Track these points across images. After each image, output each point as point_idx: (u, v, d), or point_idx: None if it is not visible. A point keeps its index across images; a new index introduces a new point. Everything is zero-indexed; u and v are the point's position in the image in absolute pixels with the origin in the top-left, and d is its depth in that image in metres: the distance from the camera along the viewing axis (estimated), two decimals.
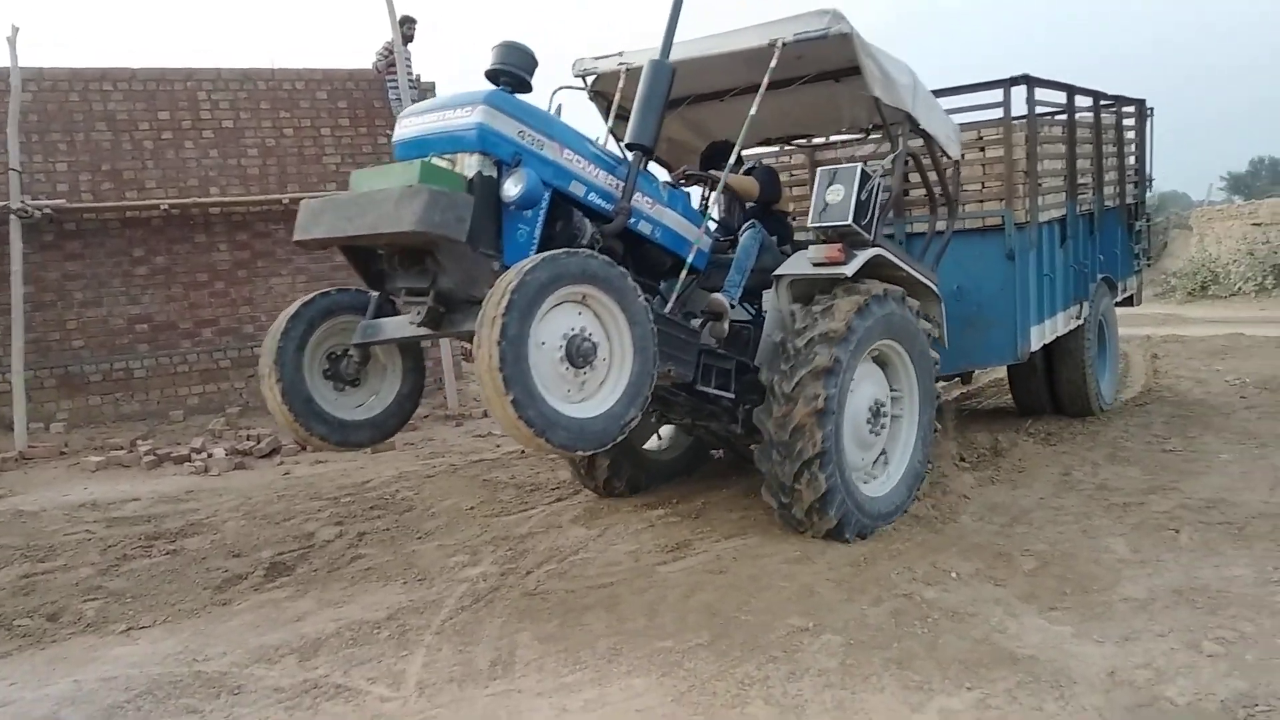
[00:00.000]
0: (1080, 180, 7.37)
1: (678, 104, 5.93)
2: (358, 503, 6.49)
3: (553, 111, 4.77)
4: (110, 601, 4.81)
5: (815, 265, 4.92)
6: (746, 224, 5.44)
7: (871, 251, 5.08)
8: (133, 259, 9.85)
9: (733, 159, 5.07)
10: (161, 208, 9.75)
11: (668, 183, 5.08)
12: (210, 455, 8.23)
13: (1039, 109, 6.76)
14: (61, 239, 9.54)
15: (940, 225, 6.17)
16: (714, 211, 5.89)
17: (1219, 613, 3.83)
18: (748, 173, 5.85)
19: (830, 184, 4.97)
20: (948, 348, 5.99)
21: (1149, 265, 10.42)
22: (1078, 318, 7.40)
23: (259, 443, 8.63)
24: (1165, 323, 16.10)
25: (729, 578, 4.44)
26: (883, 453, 5.34)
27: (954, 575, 4.40)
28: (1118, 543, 4.76)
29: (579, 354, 3.73)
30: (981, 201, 6.44)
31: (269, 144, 10.19)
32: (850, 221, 4.87)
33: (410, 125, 4.27)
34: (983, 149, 6.45)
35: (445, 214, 3.71)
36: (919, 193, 6.40)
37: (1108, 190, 8.11)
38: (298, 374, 4.31)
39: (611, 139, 5.97)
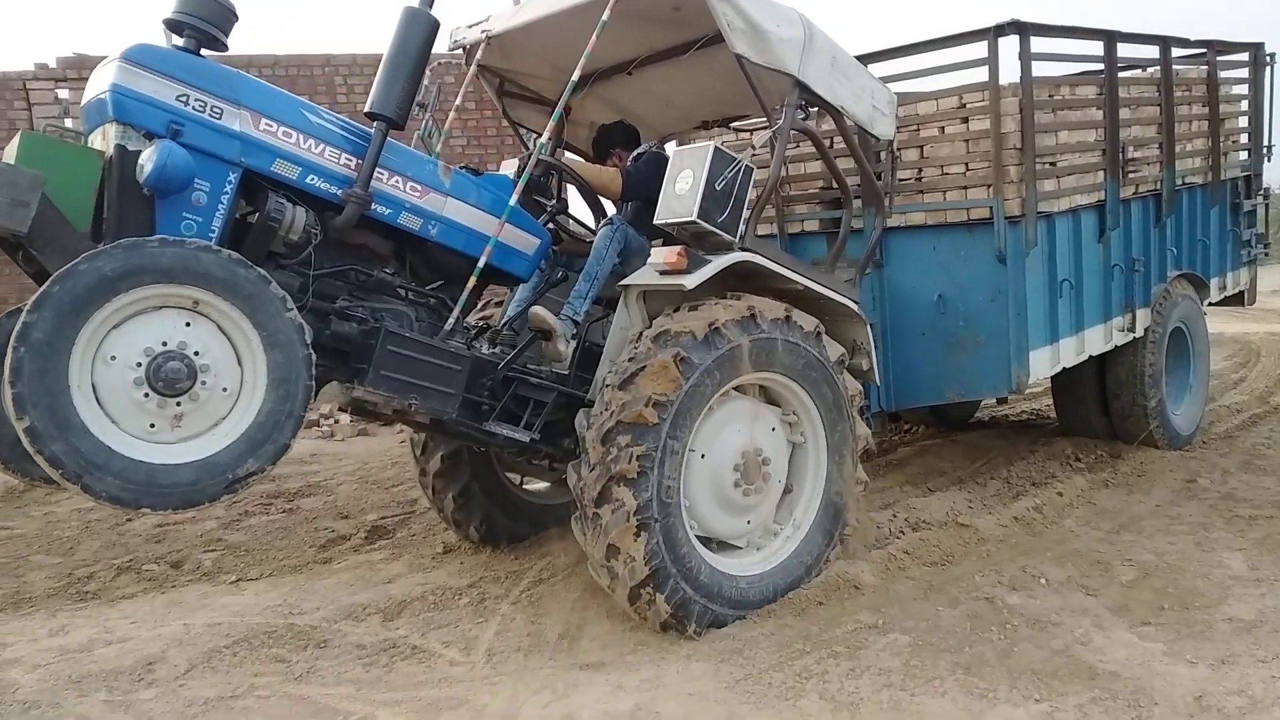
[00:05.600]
0: (1132, 154, 5.87)
1: (584, 82, 4.86)
2: None
3: (433, 90, 4.13)
4: (227, 554, 5.20)
5: (660, 273, 3.90)
6: (604, 222, 4.47)
7: (732, 257, 3.97)
8: None
9: (550, 135, 4.05)
10: None
11: (467, 167, 4.19)
12: (336, 421, 8.72)
13: (1062, 65, 5.66)
14: None
15: (858, 224, 5.09)
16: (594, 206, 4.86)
17: None
18: (636, 159, 4.74)
19: (680, 169, 3.97)
20: (929, 371, 5.23)
21: (1266, 255, 8.40)
22: (1128, 329, 5.98)
23: None
24: None
25: None
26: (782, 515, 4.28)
27: (1043, 581, 4.21)
28: (1234, 558, 4.43)
29: (161, 377, 2.92)
30: (965, 188, 5.08)
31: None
32: (695, 216, 3.81)
33: (87, 89, 3.46)
34: (966, 120, 5.08)
35: None
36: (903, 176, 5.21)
37: (1191, 163, 6.56)
38: None
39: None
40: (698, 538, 3.93)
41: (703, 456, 3.90)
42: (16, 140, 3.18)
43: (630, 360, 3.72)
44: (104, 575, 4.91)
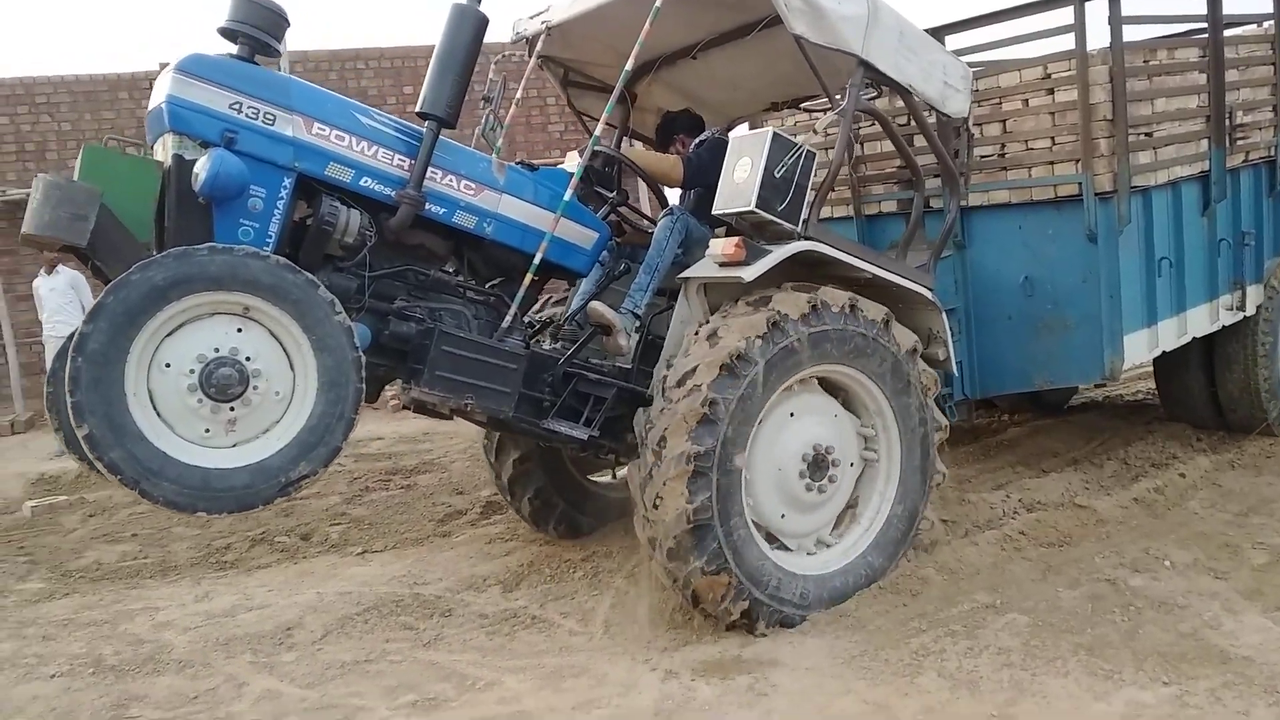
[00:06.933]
0: (1241, 119, 5.43)
1: (648, 68, 4.85)
2: None
3: (498, 84, 4.11)
4: (351, 527, 5.47)
5: (720, 265, 3.79)
6: (664, 213, 4.35)
7: (794, 247, 3.83)
8: None
9: (612, 123, 3.93)
10: None
11: (523, 162, 4.12)
12: None
13: (1159, 27, 5.36)
14: None
15: (938, 204, 4.83)
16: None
17: None
18: (698, 146, 4.59)
19: (739, 157, 3.82)
20: (1016, 357, 5.00)
21: None
22: (1237, 308, 5.60)
23: None
24: None
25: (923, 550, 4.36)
26: (848, 509, 4.11)
27: (1168, 564, 4.10)
28: None
29: (213, 383, 2.97)
30: (1052, 163, 4.78)
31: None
32: (753, 205, 3.67)
33: (151, 100, 3.45)
34: (1051, 91, 4.79)
35: (57, 213, 3.05)
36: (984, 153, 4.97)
37: None
38: None
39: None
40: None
41: (783, 516, 3.87)
42: (81, 154, 3.28)
43: (696, 345, 3.64)
44: (240, 546, 5.23)
